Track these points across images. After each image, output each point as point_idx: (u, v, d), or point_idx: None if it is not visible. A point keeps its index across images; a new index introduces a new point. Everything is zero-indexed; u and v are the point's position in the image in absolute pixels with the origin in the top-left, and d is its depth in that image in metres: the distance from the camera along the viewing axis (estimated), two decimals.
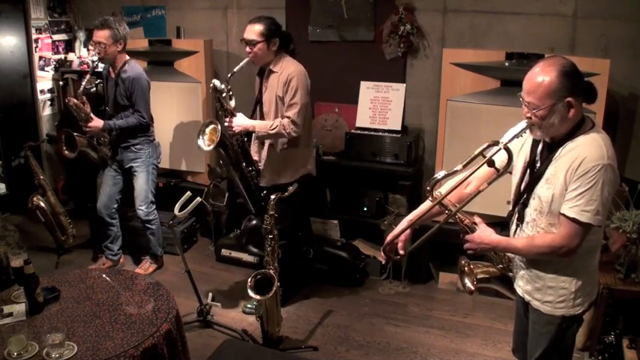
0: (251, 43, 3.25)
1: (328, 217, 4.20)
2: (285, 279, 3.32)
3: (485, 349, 3.27)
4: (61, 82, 5.12)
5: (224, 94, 3.26)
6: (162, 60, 4.59)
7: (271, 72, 3.34)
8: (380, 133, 3.98)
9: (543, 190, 1.95)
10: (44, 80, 5.25)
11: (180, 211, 3.20)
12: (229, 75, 3.27)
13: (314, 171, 3.59)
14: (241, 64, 3.27)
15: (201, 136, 3.30)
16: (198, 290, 3.42)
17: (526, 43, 3.66)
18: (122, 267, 4.16)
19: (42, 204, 4.10)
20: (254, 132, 3.35)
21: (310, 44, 4.28)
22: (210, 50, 4.50)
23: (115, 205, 4.02)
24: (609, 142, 1.90)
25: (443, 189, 2.05)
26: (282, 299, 3.29)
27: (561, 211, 1.90)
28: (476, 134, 3.55)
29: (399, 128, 3.99)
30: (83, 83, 3.78)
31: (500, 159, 1.95)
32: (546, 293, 2.03)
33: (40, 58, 5.17)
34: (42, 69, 5.21)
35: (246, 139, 3.46)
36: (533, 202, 2.00)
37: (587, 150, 1.85)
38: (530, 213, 2.02)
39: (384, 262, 4.00)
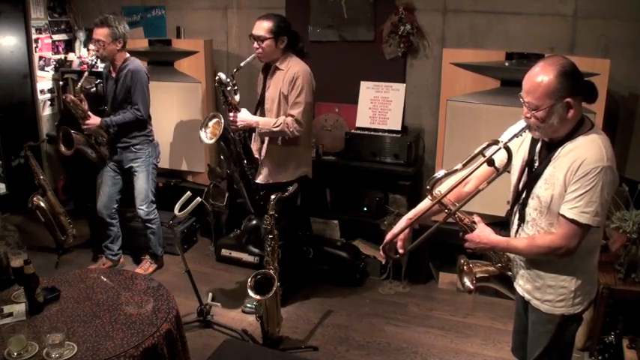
0: (259, 39, 3.25)
1: (328, 217, 4.20)
2: (285, 279, 3.32)
3: (485, 349, 3.27)
4: (61, 82, 5.13)
5: (229, 88, 3.26)
6: (162, 60, 4.59)
7: (277, 69, 3.34)
8: (380, 133, 3.98)
9: (542, 191, 1.95)
10: (44, 80, 5.25)
11: (180, 211, 3.20)
12: (235, 70, 3.27)
13: (310, 173, 3.58)
14: (248, 59, 3.27)
15: (203, 129, 3.29)
16: (198, 290, 3.41)
17: (526, 43, 3.66)
18: (122, 267, 4.16)
19: (42, 204, 4.10)
20: (257, 128, 3.35)
21: (310, 44, 4.27)
22: (210, 50, 4.50)
23: (115, 206, 4.02)
24: (609, 143, 1.90)
25: (442, 188, 2.05)
26: (282, 299, 3.29)
27: (560, 212, 1.90)
28: (476, 134, 3.55)
29: (399, 128, 3.99)
30: (81, 81, 3.77)
31: (500, 158, 1.95)
32: (546, 292, 2.04)
33: (40, 58, 5.17)
34: (42, 69, 5.21)
35: (245, 134, 3.46)
36: (533, 202, 2.00)
37: (587, 151, 1.85)
38: (529, 213, 2.02)
39: (383, 261, 4.01)
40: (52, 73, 5.29)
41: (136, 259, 4.34)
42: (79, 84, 3.77)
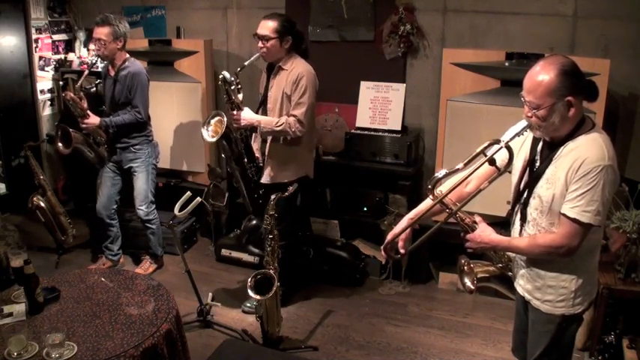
0: (264, 39, 3.25)
1: (328, 217, 4.20)
2: (285, 279, 3.32)
3: (485, 349, 3.27)
4: (61, 82, 5.12)
5: (232, 87, 3.26)
6: (162, 60, 4.59)
7: (281, 69, 3.34)
8: (380, 133, 3.98)
9: (543, 190, 1.95)
10: (44, 80, 5.25)
11: (180, 211, 3.20)
12: (239, 69, 3.27)
13: (311, 174, 3.59)
14: (252, 58, 3.27)
15: (205, 127, 3.29)
16: (198, 290, 3.41)
17: (526, 43, 3.66)
18: (122, 267, 4.15)
19: (42, 204, 4.09)
20: (259, 127, 3.35)
21: (310, 44, 4.27)
22: (210, 50, 4.50)
23: (115, 206, 4.02)
24: (610, 142, 1.90)
25: (443, 188, 2.05)
26: (282, 299, 3.29)
27: (562, 211, 1.90)
28: (476, 134, 3.55)
29: (399, 128, 3.99)
30: (81, 79, 3.76)
31: (501, 158, 1.95)
32: (546, 292, 2.04)
33: (40, 58, 5.17)
34: (42, 69, 5.21)
35: (246, 133, 3.46)
36: (534, 202, 2.00)
37: (588, 151, 1.85)
38: (530, 212, 2.02)
39: (384, 261, 4.02)
40: (52, 73, 5.29)
41: (135, 259, 4.33)
42: (79, 83, 3.76)
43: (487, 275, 2.18)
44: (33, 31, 5.04)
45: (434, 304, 3.76)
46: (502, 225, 2.24)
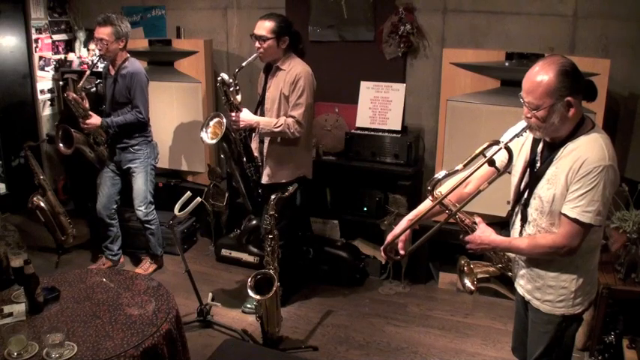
0: (261, 39, 3.24)
1: (328, 217, 4.20)
2: (285, 279, 3.32)
3: (485, 349, 3.27)
4: (61, 82, 5.12)
5: (231, 88, 3.26)
6: (162, 60, 4.59)
7: (278, 69, 3.34)
8: (380, 133, 3.97)
9: (544, 191, 1.95)
10: (44, 80, 5.25)
11: (180, 211, 3.20)
12: (237, 70, 3.27)
13: (310, 174, 3.59)
14: (249, 59, 3.27)
15: (204, 129, 3.29)
16: (198, 290, 3.41)
17: (526, 43, 3.66)
18: (122, 267, 4.16)
19: (42, 204, 4.10)
20: (258, 128, 3.35)
21: (310, 44, 4.28)
22: (210, 50, 4.50)
23: (115, 206, 4.02)
24: (610, 142, 1.90)
25: (443, 188, 2.05)
26: (282, 299, 3.29)
27: (562, 212, 1.90)
28: (476, 134, 3.55)
29: (399, 128, 3.99)
30: (83, 79, 3.76)
31: (501, 158, 1.95)
32: (546, 292, 2.04)
33: (40, 58, 5.17)
34: (42, 69, 5.21)
35: (245, 134, 3.46)
36: (534, 202, 2.00)
37: (589, 151, 1.85)
38: (531, 213, 2.02)
39: (384, 261, 4.02)
40: (52, 73, 5.29)
41: (135, 259, 4.33)
42: (81, 83, 3.75)
43: (487, 276, 2.18)
44: (33, 31, 5.05)
45: (434, 304, 3.76)
46: (502, 225, 2.24)
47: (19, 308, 2.44)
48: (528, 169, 2.04)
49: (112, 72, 3.77)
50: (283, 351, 3.17)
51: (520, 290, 2.16)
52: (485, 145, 1.91)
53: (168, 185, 4.65)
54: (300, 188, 3.38)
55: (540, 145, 2.02)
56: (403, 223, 2.16)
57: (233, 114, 3.29)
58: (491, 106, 3.55)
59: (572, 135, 1.91)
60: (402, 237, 2.13)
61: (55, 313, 2.45)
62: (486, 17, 3.81)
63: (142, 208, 3.94)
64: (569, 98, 1.83)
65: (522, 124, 1.97)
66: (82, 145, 3.91)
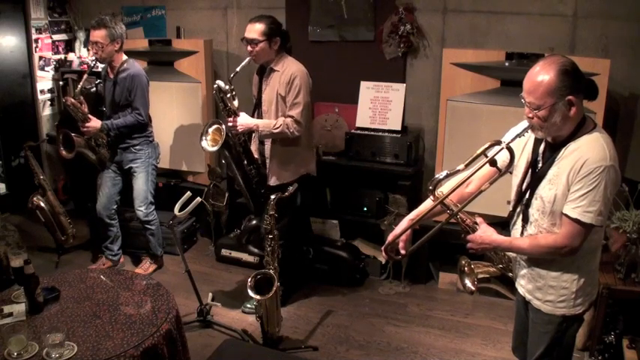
0: (252, 42, 3.24)
1: (328, 217, 4.19)
2: (285, 279, 3.32)
3: (485, 349, 3.27)
4: (61, 82, 5.12)
5: (228, 95, 3.26)
6: (162, 60, 4.59)
7: (272, 70, 3.34)
8: (380, 133, 3.97)
9: (545, 191, 1.95)
10: (44, 80, 5.25)
11: (180, 211, 3.20)
12: (232, 75, 3.27)
13: (314, 171, 3.59)
14: (243, 63, 3.27)
15: (204, 137, 3.29)
16: (198, 290, 3.41)
17: (526, 43, 3.66)
18: (122, 267, 4.16)
19: (42, 204, 4.09)
20: (257, 131, 3.35)
21: (310, 44, 4.28)
22: (211, 50, 4.50)
23: (115, 206, 4.02)
24: (611, 142, 1.90)
25: (444, 188, 2.05)
26: (282, 299, 3.29)
27: (564, 212, 1.90)
28: (476, 134, 3.55)
29: (399, 128, 3.99)
30: (81, 83, 3.75)
31: (502, 159, 1.95)
32: (547, 292, 2.04)
33: (40, 58, 5.17)
34: (42, 69, 5.21)
35: (245, 137, 3.46)
36: (536, 203, 2.00)
37: (590, 151, 1.85)
38: (532, 213, 2.02)
39: (384, 262, 4.02)
40: (52, 73, 5.28)
41: (135, 259, 4.33)
42: (79, 85, 3.75)
43: (488, 276, 2.18)
44: (33, 31, 5.04)
45: (434, 304, 3.76)
46: (503, 225, 2.24)
47: (19, 308, 2.44)
48: (530, 170, 2.04)
49: (111, 75, 3.77)
50: (283, 351, 3.17)
51: (521, 290, 2.16)
52: (486, 145, 1.91)
53: (169, 185, 4.65)
54: (303, 187, 3.38)
55: (542, 146, 2.02)
56: (404, 223, 2.16)
57: (230, 119, 3.28)
58: (492, 106, 3.55)
59: (574, 135, 1.91)
60: (403, 237, 2.13)
61: (55, 313, 2.45)
62: (486, 17, 3.81)
63: (143, 209, 3.93)
64: (570, 97, 1.83)
65: (524, 124, 1.97)
66: (84, 149, 3.91)
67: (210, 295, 3.75)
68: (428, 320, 3.57)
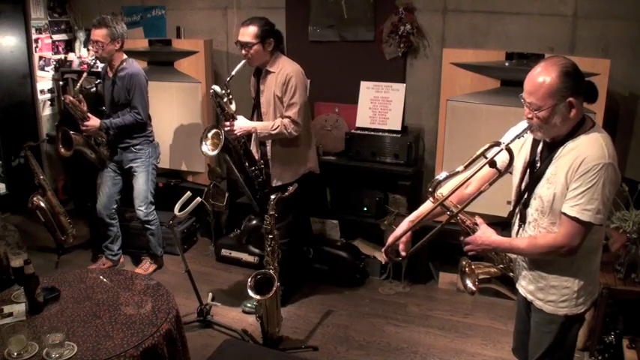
0: (247, 46, 3.24)
1: (328, 217, 4.20)
2: (285, 279, 3.32)
3: (485, 349, 3.27)
4: (61, 82, 5.12)
5: (225, 99, 3.26)
6: (162, 60, 4.59)
7: (268, 72, 3.34)
8: (380, 133, 3.97)
9: (544, 190, 1.95)
10: (44, 80, 5.25)
11: (180, 211, 3.20)
12: (228, 79, 3.27)
13: (316, 168, 3.60)
14: (238, 67, 3.26)
15: (204, 142, 3.30)
16: (198, 290, 3.41)
17: (526, 43, 3.66)
18: (122, 267, 4.16)
19: (42, 204, 4.09)
20: (255, 133, 3.35)
21: (310, 44, 4.28)
22: (211, 50, 4.50)
23: (115, 206, 4.02)
24: (610, 141, 1.89)
25: (444, 190, 2.05)
26: (282, 299, 3.30)
27: (562, 210, 1.89)
28: (476, 134, 3.55)
29: (399, 128, 3.99)
30: (80, 82, 3.76)
31: (502, 159, 1.95)
32: (549, 293, 2.04)
33: (40, 58, 5.17)
34: (42, 69, 5.21)
35: (244, 139, 3.46)
36: (535, 202, 2.00)
37: (588, 149, 1.85)
38: (531, 213, 2.02)
39: (384, 262, 4.02)
40: (52, 73, 5.28)
41: (135, 259, 4.33)
42: (79, 85, 3.75)
43: (488, 277, 2.18)
44: (33, 31, 5.04)
45: (434, 304, 3.76)
46: (503, 226, 2.24)
47: (19, 308, 2.44)
48: (528, 170, 2.04)
49: (110, 74, 3.77)
50: (283, 351, 3.17)
51: (522, 291, 2.16)
52: (486, 147, 1.90)
53: (169, 185, 4.65)
54: (306, 184, 3.39)
55: (540, 146, 2.02)
56: (404, 224, 2.16)
57: (227, 123, 3.28)
58: (492, 106, 3.55)
59: (572, 134, 1.91)
60: (403, 238, 2.13)
61: (55, 313, 2.45)
62: (486, 17, 3.81)
63: (143, 208, 3.93)
64: (571, 99, 1.83)
65: (523, 124, 1.97)
66: (82, 147, 3.91)
67: (210, 295, 3.75)
68: (428, 320, 3.58)
